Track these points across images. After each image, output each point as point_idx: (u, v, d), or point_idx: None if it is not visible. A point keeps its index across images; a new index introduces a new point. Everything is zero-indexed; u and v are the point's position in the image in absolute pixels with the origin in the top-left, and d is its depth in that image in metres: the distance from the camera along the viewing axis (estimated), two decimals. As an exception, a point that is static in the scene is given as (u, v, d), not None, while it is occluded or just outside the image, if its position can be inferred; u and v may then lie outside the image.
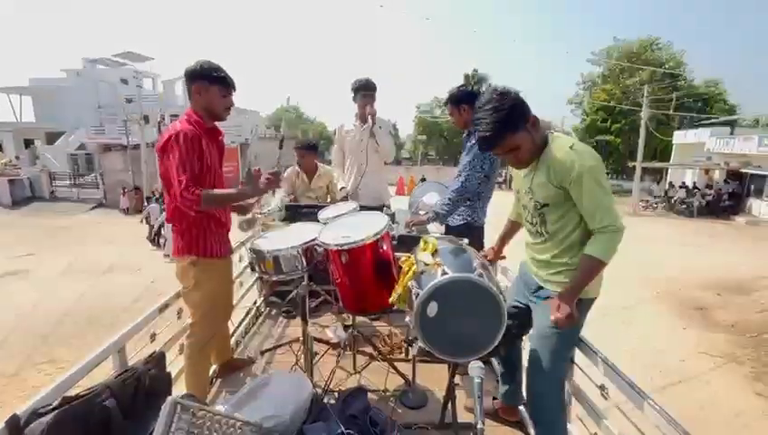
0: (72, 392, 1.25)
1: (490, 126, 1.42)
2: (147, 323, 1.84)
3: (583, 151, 1.41)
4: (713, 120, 22.97)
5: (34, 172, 20.58)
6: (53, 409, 1.10)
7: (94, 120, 23.88)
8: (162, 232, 11.91)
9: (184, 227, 1.92)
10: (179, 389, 1.88)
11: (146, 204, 15.25)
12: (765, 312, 7.83)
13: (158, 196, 14.20)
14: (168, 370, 1.63)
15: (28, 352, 6.04)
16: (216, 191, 1.89)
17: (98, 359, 1.51)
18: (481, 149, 2.09)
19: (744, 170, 18.56)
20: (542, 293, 1.61)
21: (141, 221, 13.67)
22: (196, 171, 1.80)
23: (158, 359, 1.55)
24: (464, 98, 2.42)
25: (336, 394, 1.91)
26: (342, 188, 3.26)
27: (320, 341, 2.39)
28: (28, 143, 25.81)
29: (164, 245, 11.52)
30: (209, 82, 1.90)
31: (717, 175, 20.22)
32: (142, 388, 1.38)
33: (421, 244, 1.68)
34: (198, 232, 1.93)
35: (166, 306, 2.00)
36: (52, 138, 25.27)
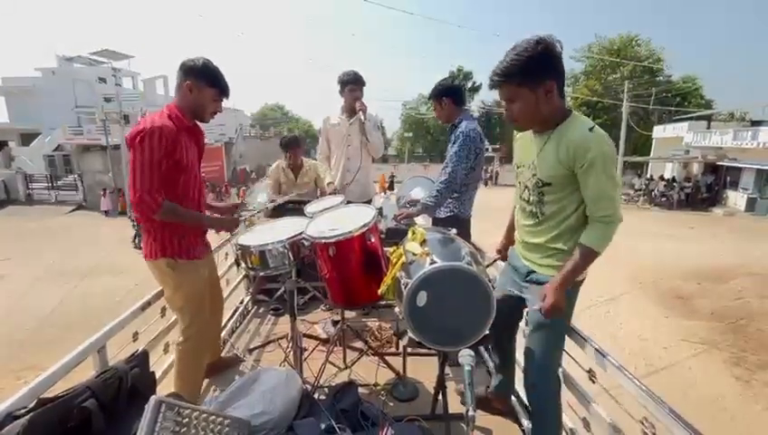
0: (51, 394, 1.19)
1: (501, 66, 1.36)
2: (128, 321, 1.79)
3: (602, 136, 1.33)
4: (690, 115, 23.59)
5: (9, 174, 19.89)
6: (29, 411, 1.05)
7: (71, 120, 23.16)
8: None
9: (156, 225, 1.79)
10: (166, 389, 1.83)
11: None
12: (742, 299, 8.11)
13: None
14: (152, 369, 1.58)
15: (4, 359, 5.83)
16: (181, 209, 1.77)
17: (77, 359, 1.46)
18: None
19: (720, 163, 19.14)
20: (533, 277, 1.54)
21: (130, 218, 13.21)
22: (163, 174, 1.68)
23: (141, 358, 1.50)
24: (445, 92, 2.42)
25: (326, 390, 1.89)
26: (330, 183, 3.22)
27: (309, 337, 2.37)
28: (2, 145, 24.87)
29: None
30: (206, 84, 1.81)
31: (695, 168, 20.80)
32: (125, 388, 1.33)
33: (409, 234, 1.67)
34: (173, 232, 1.81)
35: (148, 304, 1.94)
36: (27, 139, 24.45)
